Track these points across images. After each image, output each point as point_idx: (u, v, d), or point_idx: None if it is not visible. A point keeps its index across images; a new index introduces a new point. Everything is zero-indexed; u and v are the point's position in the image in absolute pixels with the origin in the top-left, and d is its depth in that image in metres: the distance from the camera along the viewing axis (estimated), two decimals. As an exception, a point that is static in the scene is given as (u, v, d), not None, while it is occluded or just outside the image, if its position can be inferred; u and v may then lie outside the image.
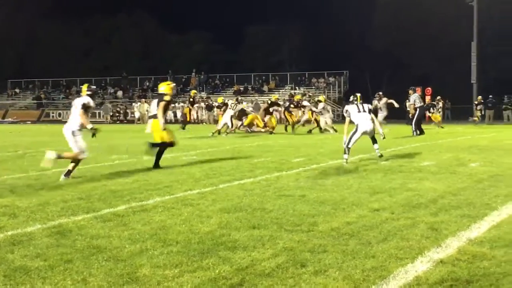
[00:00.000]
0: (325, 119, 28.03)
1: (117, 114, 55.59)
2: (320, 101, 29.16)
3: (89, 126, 11.57)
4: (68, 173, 11.33)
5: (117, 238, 6.25)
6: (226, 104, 28.97)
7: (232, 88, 58.84)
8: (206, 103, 45.88)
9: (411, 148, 17.69)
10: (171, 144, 13.59)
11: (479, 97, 41.01)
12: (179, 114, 51.23)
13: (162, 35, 75.30)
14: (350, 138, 13.56)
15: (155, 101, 14.08)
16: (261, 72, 62.49)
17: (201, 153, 16.67)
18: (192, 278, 4.86)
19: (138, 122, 51.00)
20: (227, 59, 71.44)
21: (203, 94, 54.79)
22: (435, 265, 5.15)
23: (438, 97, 36.63)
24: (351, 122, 13.93)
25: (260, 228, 6.61)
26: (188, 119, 37.75)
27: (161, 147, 13.39)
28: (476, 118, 39.88)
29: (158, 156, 13.31)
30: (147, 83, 64.52)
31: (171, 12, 75.06)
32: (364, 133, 13.73)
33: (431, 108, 35.27)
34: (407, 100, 27.07)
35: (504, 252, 5.51)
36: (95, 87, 13.41)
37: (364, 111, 13.90)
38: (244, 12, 70.26)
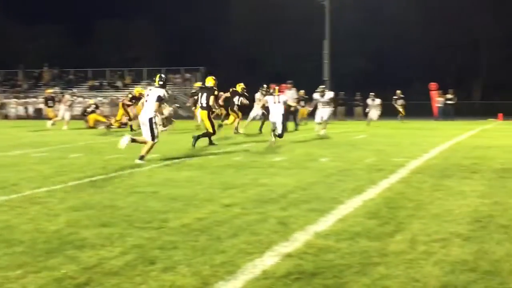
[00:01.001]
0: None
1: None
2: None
3: (163, 115, 14.93)
4: (142, 158, 12.72)
5: (-44, 240, 5.94)
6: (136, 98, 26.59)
7: (87, 83, 57.47)
8: (58, 99, 44.56)
9: (265, 144, 17.96)
10: (214, 133, 16.80)
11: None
12: (30, 109, 49.68)
13: (10, 28, 72.00)
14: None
15: (204, 94, 17.14)
16: (116, 67, 61.38)
17: (51, 149, 16.17)
18: (36, 279, 4.69)
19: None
20: (81, 53, 69.58)
21: (57, 90, 53.16)
22: (283, 258, 5.24)
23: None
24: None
25: (109, 226, 6.48)
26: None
27: (207, 136, 16.60)
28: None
29: (210, 138, 16.87)
30: (-3, 78, 61.91)
31: (19, 4, 71.95)
32: (273, 123, 16.55)
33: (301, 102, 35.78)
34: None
35: (348, 244, 5.70)
36: (164, 76, 14.15)
37: (279, 102, 16.69)
38: (96, 5, 68.96)
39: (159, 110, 13.37)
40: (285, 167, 11.88)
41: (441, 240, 5.84)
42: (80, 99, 42.79)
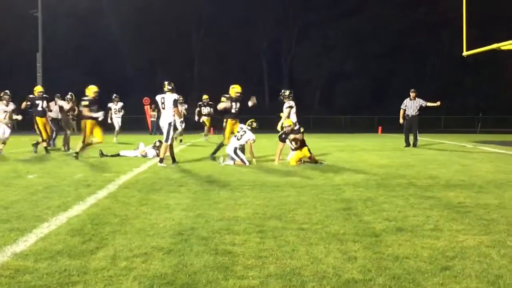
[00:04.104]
0: None
1: None
2: None
3: (181, 119, 16.12)
4: (161, 161, 15.41)
5: None
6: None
7: None
8: None
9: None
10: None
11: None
12: None
13: None
14: None
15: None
16: None
17: None
18: None
19: None
20: None
21: None
22: (-26, 284, 4.94)
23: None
24: None
25: None
26: None
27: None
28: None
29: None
30: None
31: None
32: None
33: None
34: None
35: (47, 264, 5.52)
36: (168, 82, 15.62)
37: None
38: None
39: (179, 114, 15.81)
40: (-11, 185, 11.27)
41: (142, 255, 5.88)
42: None
